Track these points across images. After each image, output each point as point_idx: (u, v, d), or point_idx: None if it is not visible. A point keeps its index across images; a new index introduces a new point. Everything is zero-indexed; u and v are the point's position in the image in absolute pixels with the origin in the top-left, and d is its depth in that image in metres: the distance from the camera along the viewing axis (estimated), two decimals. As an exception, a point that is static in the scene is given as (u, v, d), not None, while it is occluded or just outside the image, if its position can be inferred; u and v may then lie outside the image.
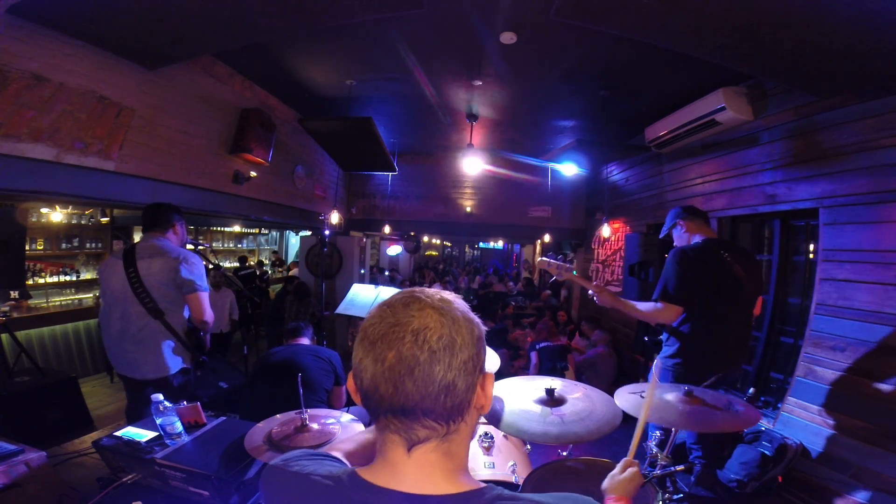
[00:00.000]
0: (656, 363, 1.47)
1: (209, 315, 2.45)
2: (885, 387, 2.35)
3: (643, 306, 2.36)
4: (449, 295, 0.65)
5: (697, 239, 2.40)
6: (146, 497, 1.57)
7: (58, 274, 5.36)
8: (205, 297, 2.42)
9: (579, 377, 4.55)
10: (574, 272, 2.48)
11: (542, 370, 4.46)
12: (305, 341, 2.89)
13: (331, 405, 2.70)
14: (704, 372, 2.15)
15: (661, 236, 2.67)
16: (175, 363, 2.41)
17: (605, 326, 5.82)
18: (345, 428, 1.67)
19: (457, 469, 0.63)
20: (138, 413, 2.46)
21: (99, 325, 4.81)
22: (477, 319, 0.65)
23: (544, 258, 2.49)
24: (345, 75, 4.04)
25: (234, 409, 2.54)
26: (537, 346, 4.73)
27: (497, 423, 1.63)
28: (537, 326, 5.46)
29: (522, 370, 5.41)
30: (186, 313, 2.47)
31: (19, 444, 1.61)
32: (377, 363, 0.58)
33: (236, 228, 9.17)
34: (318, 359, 2.64)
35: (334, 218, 6.12)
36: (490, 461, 1.83)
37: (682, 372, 2.24)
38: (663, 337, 2.43)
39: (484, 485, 0.63)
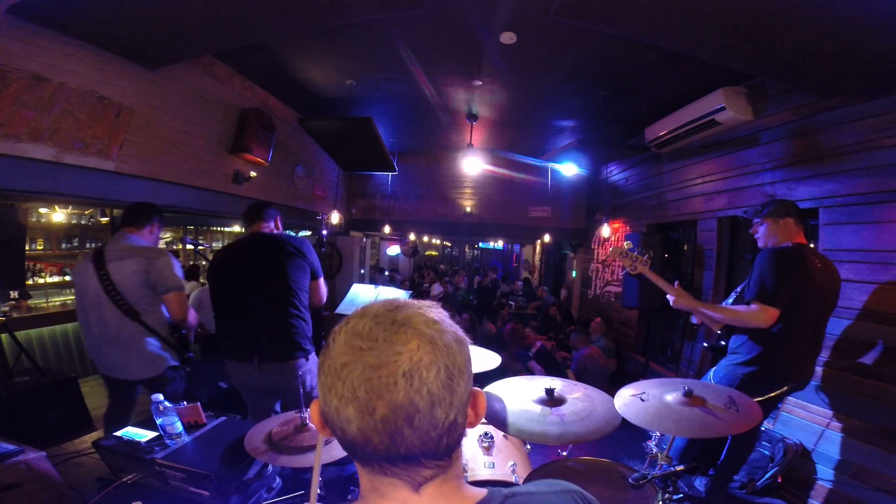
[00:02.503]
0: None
1: (189, 314, 2.40)
2: (884, 387, 2.35)
3: (733, 310, 2.19)
4: (433, 311, 0.56)
5: (787, 243, 2.22)
6: (146, 497, 1.57)
7: (58, 274, 5.36)
8: (181, 295, 2.36)
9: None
10: (650, 266, 2.39)
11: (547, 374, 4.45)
12: (271, 228, 2.42)
13: (312, 303, 2.42)
14: (776, 381, 2.12)
15: (749, 216, 2.42)
16: (161, 363, 2.37)
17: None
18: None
19: (463, 485, 0.59)
20: (119, 415, 2.43)
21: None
22: (464, 334, 0.58)
23: (616, 248, 2.35)
24: (345, 75, 4.04)
25: (234, 409, 2.54)
26: (530, 354, 4.73)
27: (497, 423, 1.63)
28: (505, 338, 5.28)
29: (522, 372, 5.40)
30: (165, 311, 2.41)
31: (19, 444, 1.61)
32: (365, 415, 0.49)
33: (236, 228, 9.15)
34: (293, 255, 2.27)
35: (334, 218, 6.12)
36: (490, 461, 1.83)
37: (753, 381, 2.12)
38: (733, 342, 2.29)
39: (486, 491, 0.60)
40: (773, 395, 2.10)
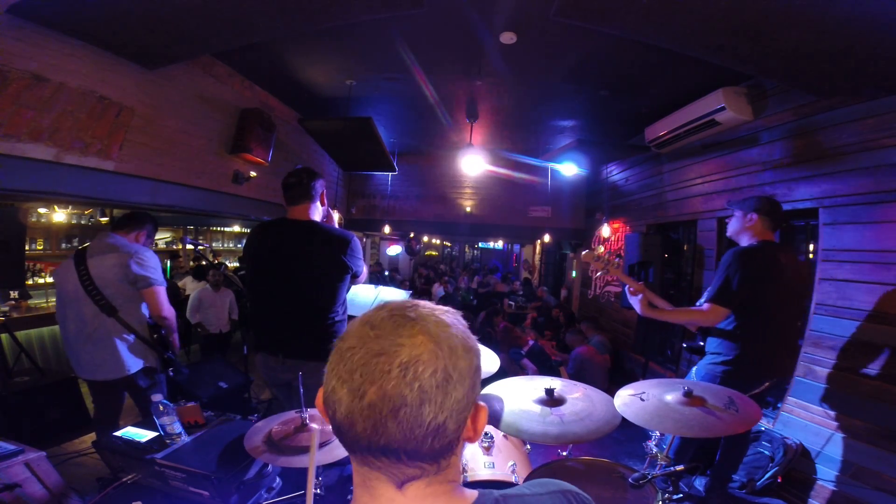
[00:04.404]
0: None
1: (167, 310, 2.37)
2: (885, 387, 2.35)
3: (684, 311, 2.29)
4: (447, 315, 0.57)
5: (754, 241, 2.23)
6: (146, 497, 1.57)
7: (58, 274, 5.36)
8: (160, 291, 2.34)
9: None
10: (619, 268, 2.41)
11: (540, 372, 4.47)
12: (316, 216, 2.10)
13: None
14: (755, 379, 2.13)
15: (730, 206, 2.44)
16: (135, 362, 2.33)
17: (605, 327, 5.82)
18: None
19: (454, 490, 0.57)
20: (107, 419, 2.42)
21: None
22: (476, 345, 0.57)
23: (589, 251, 2.37)
24: (345, 75, 4.04)
25: (234, 409, 2.53)
26: (522, 352, 4.74)
27: (497, 423, 1.63)
28: (499, 338, 5.32)
29: (520, 373, 5.41)
30: (145, 310, 2.40)
31: (19, 444, 1.61)
32: (354, 398, 0.50)
33: (236, 228, 9.17)
34: (339, 268, 2.05)
35: (334, 218, 6.11)
36: (490, 461, 1.83)
37: (731, 379, 2.14)
38: (710, 343, 2.31)
39: (477, 493, 0.59)
40: (754, 392, 2.10)
